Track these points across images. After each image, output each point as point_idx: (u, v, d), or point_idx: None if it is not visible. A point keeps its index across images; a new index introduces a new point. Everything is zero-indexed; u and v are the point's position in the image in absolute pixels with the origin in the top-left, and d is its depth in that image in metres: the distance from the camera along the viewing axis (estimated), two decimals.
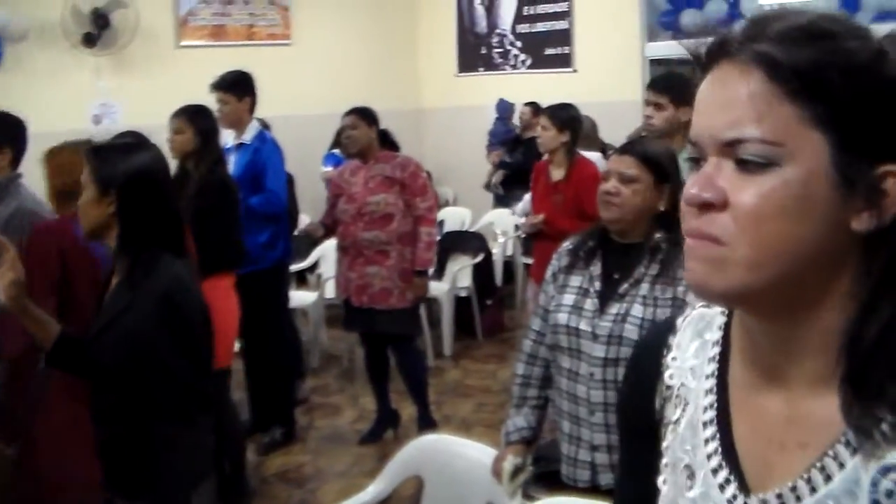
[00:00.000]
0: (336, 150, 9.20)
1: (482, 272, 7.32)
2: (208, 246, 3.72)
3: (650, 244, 2.58)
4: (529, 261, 6.02)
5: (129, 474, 2.53)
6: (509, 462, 2.72)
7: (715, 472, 0.96)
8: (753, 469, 0.93)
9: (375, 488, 3.18)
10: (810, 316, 0.88)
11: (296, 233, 6.17)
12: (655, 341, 1.09)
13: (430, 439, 3.27)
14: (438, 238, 5.82)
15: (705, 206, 0.86)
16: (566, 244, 2.76)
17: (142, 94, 8.18)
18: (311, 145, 8.26)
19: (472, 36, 10.50)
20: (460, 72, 10.61)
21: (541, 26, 9.86)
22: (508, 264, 8.00)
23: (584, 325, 2.58)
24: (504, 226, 7.96)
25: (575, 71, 9.46)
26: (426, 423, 5.23)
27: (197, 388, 2.51)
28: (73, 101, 8.00)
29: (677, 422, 1.02)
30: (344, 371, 6.77)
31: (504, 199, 8.41)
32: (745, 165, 0.85)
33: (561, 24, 9.64)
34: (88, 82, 8.25)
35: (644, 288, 2.55)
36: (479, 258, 7.29)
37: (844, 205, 0.84)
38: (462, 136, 9.77)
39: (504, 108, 9.34)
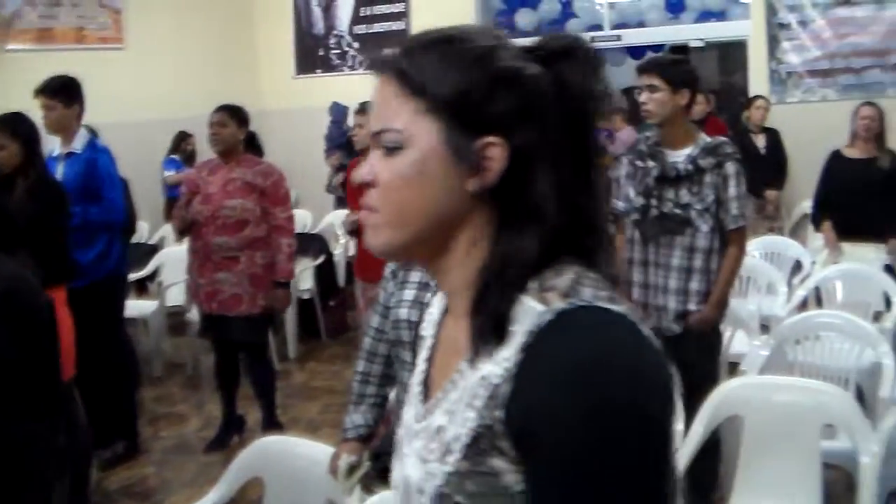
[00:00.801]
0: (175, 156, 9.10)
1: (324, 273, 7.34)
2: (39, 258, 3.63)
3: None
4: None
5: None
6: (344, 459, 2.75)
7: (417, 394, 1.21)
8: (433, 388, 1.17)
9: (216, 493, 3.16)
10: (452, 261, 1.11)
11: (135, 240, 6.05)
12: (426, 302, 1.31)
13: (269, 441, 3.27)
14: None
15: (366, 185, 1.10)
16: None
17: None
18: (148, 151, 8.10)
19: (310, 37, 10.50)
20: (298, 73, 10.60)
21: (378, 27, 9.95)
22: (350, 265, 8.00)
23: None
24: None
25: None
26: (272, 427, 5.22)
27: (48, 388, 2.47)
28: None
29: (417, 362, 1.26)
30: (188, 379, 6.68)
31: (345, 200, 8.41)
32: (386, 151, 1.08)
33: (398, 25, 9.75)
34: None
35: None
36: (321, 260, 7.31)
37: (457, 173, 1.06)
38: (302, 138, 9.75)
39: (338, 112, 9.33)
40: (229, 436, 5.34)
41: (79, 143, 5.01)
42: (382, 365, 2.85)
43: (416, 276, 2.69)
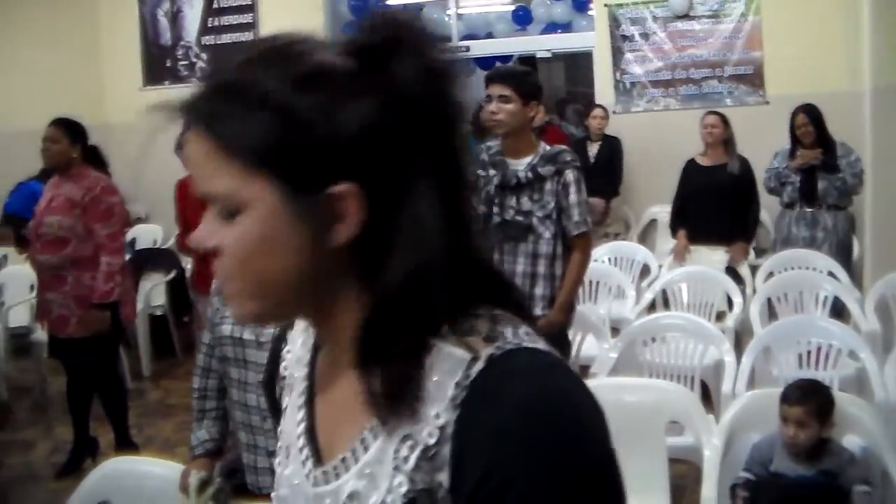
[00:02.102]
0: None
1: (176, 289, 7.18)
2: None
3: None
4: None
5: None
6: (195, 476, 2.72)
7: (301, 449, 1.05)
8: (327, 444, 1.02)
9: None
10: (334, 317, 0.98)
11: None
12: (279, 335, 1.20)
13: (115, 462, 3.17)
14: (129, 257, 5.63)
15: (211, 254, 0.95)
16: None
17: None
18: None
19: (157, 48, 10.27)
20: (146, 85, 10.34)
21: (227, 37, 9.82)
22: None
23: (247, 335, 2.63)
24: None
25: None
26: (126, 447, 5.08)
27: None
28: None
29: (286, 408, 1.12)
30: (36, 402, 6.43)
31: None
32: (223, 216, 0.93)
33: (247, 36, 9.63)
34: None
35: None
36: (173, 275, 7.15)
37: (308, 231, 0.92)
38: (152, 151, 9.50)
39: None
40: (82, 459, 5.16)
41: None
42: (217, 380, 2.85)
43: None
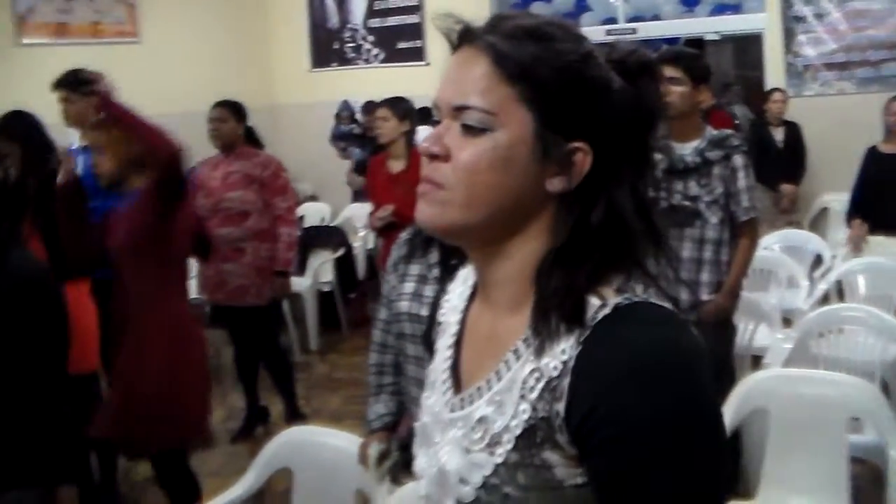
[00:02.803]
0: None
1: (344, 266, 7.35)
2: (61, 251, 3.65)
3: None
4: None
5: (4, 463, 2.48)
6: (374, 448, 2.77)
7: (444, 381, 1.20)
8: (467, 377, 1.17)
9: (245, 483, 3.18)
10: (509, 251, 1.11)
11: None
12: (441, 289, 1.37)
13: (296, 431, 3.29)
14: (299, 234, 5.82)
15: (434, 158, 1.09)
16: (403, 234, 2.82)
17: None
18: None
19: (324, 31, 10.49)
20: (314, 67, 10.59)
21: (392, 20, 9.93)
22: (371, 258, 8.04)
23: (425, 312, 2.64)
24: (364, 220, 7.99)
25: (428, 64, 9.55)
26: (295, 418, 5.24)
27: (52, 379, 2.50)
28: None
29: (437, 349, 1.27)
30: (211, 370, 6.67)
31: (363, 195, 8.56)
32: (467, 129, 1.06)
33: (412, 18, 9.73)
34: None
35: None
36: (341, 252, 7.32)
37: (541, 168, 1.06)
38: (318, 131, 9.74)
39: (346, 109, 9.59)
40: (253, 426, 5.39)
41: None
42: (394, 355, 2.86)
43: (415, 269, 2.71)
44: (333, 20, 10.41)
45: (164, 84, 9.09)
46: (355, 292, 7.50)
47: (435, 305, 1.34)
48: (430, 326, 1.34)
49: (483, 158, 1.06)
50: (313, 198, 9.50)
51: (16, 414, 2.45)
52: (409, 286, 2.70)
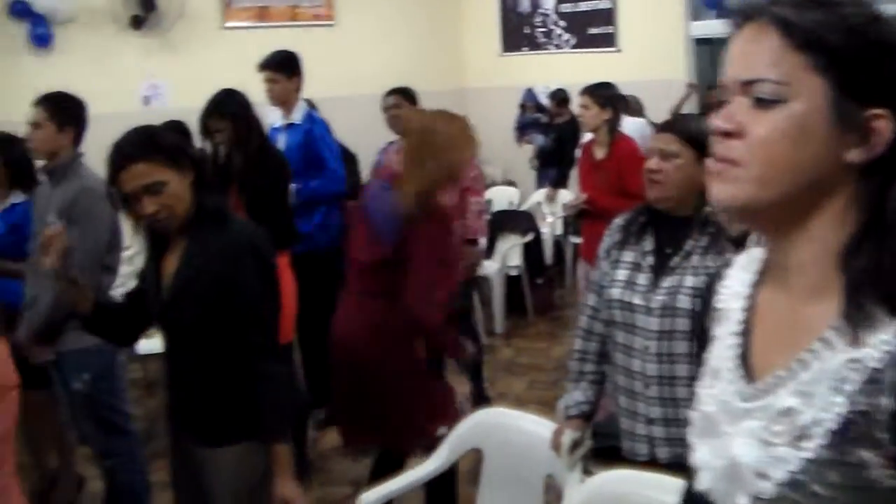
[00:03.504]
0: None
1: (532, 251, 7.31)
2: (263, 224, 3.75)
3: (700, 218, 2.58)
4: (578, 240, 6.01)
5: (225, 419, 2.62)
6: (568, 436, 2.73)
7: (733, 370, 1.14)
8: (759, 366, 1.11)
9: (436, 461, 3.20)
10: (808, 231, 1.06)
11: None
12: (715, 275, 1.30)
13: (489, 413, 3.29)
14: (489, 209, 5.83)
15: (726, 135, 1.05)
16: (617, 220, 2.77)
17: (188, 75, 8.26)
18: (356, 125, 8.23)
19: (515, 15, 10.45)
20: (504, 51, 10.58)
21: (584, 6, 9.80)
22: (558, 244, 7.99)
23: (637, 300, 2.58)
24: (552, 205, 7.94)
25: (619, 51, 9.40)
26: (481, 400, 5.24)
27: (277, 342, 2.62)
28: (122, 83, 8.09)
29: (716, 336, 1.21)
30: None
31: (541, 181, 8.65)
32: (759, 102, 1.03)
33: (604, 4, 9.58)
34: (136, 64, 8.35)
35: (695, 259, 2.55)
36: (529, 237, 7.28)
37: (839, 138, 1.01)
38: (507, 115, 9.73)
39: (529, 97, 9.59)
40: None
41: (298, 114, 5.22)
42: (599, 343, 2.81)
43: (629, 256, 2.66)
44: (525, 4, 10.37)
45: (358, 66, 9.32)
46: (542, 278, 7.45)
47: (709, 292, 1.28)
48: (703, 313, 1.29)
49: (778, 130, 1.02)
50: (511, 183, 9.45)
51: (245, 373, 2.55)
52: (621, 273, 2.65)
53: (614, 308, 2.64)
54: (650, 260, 2.61)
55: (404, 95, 5.25)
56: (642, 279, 2.60)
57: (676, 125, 2.72)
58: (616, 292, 2.63)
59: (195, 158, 2.65)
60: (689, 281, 2.52)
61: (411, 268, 3.33)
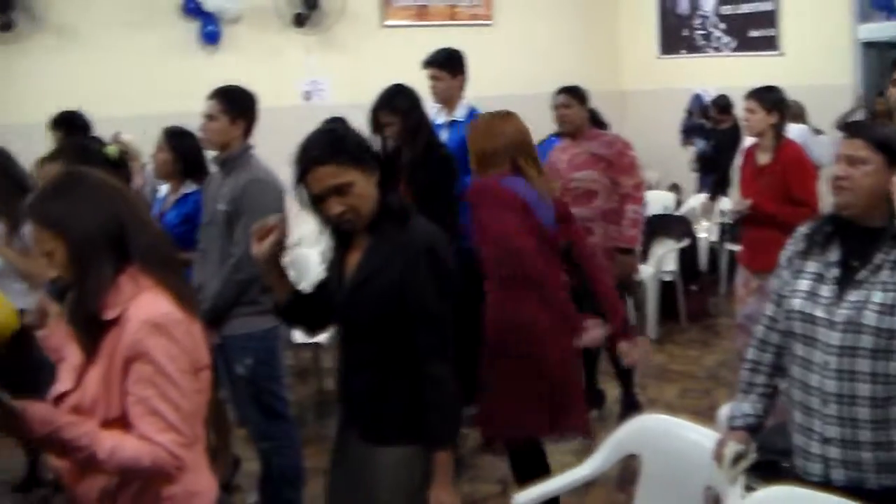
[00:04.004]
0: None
1: (687, 257, 7.17)
2: (432, 219, 3.78)
3: (892, 229, 2.46)
4: (736, 247, 5.85)
5: (391, 418, 2.63)
6: (731, 448, 2.64)
7: None
8: None
9: (592, 464, 3.17)
10: None
11: None
12: None
13: (649, 419, 3.23)
14: (645, 215, 5.74)
15: None
16: (802, 228, 2.66)
17: (348, 71, 8.45)
18: None
19: (674, 17, 10.28)
20: (662, 54, 10.41)
21: (745, 8, 9.55)
22: (713, 251, 7.81)
23: (819, 312, 2.47)
24: (709, 212, 7.76)
25: (781, 54, 9.12)
26: (631, 405, 5.17)
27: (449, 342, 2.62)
28: (285, 79, 8.31)
29: None
30: None
31: (702, 186, 8.52)
32: None
33: (766, 6, 9.32)
34: (298, 61, 8.57)
35: (884, 274, 2.43)
36: (685, 243, 7.14)
37: None
38: (664, 119, 9.58)
39: (695, 104, 9.45)
40: (588, 408, 5.35)
41: (461, 111, 5.24)
42: (774, 355, 2.71)
43: (812, 266, 2.56)
44: (684, 6, 10.18)
45: (514, 66, 9.35)
46: (696, 285, 7.29)
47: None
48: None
49: None
50: (675, 187, 9.30)
51: (415, 375, 2.57)
52: (804, 284, 2.56)
53: (794, 319, 2.54)
54: (835, 272, 2.51)
55: (574, 95, 5.20)
56: (826, 291, 2.49)
57: (865, 130, 2.60)
58: (797, 303, 2.53)
59: (380, 158, 2.66)
60: (878, 297, 2.41)
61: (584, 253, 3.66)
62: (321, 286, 2.89)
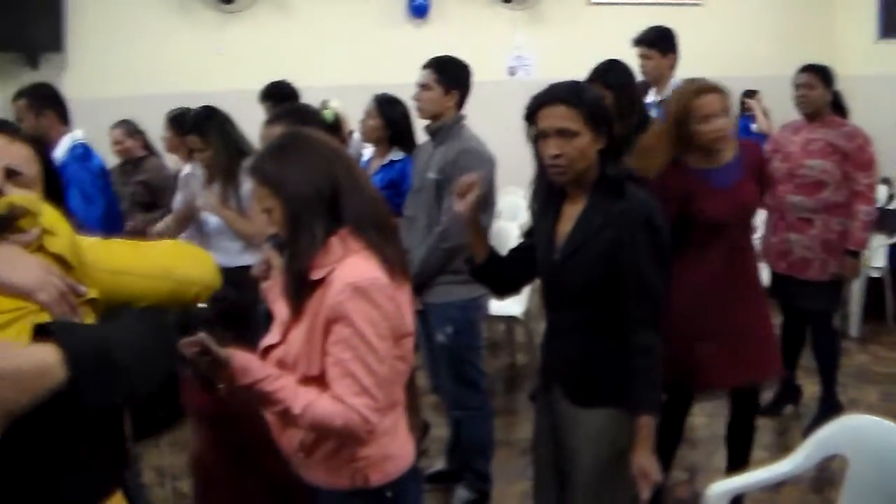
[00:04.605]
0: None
1: None
2: None
3: None
4: None
5: (598, 381, 2.69)
6: None
7: None
8: None
9: (793, 462, 3.08)
10: None
11: None
12: None
13: (859, 420, 3.11)
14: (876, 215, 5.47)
15: None
16: None
17: (554, 48, 8.42)
18: None
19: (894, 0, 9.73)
20: (882, 37, 9.87)
21: None
22: None
23: None
24: None
25: None
26: (830, 405, 4.97)
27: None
28: (490, 53, 8.35)
29: None
30: None
31: None
32: None
33: None
34: (504, 36, 8.59)
35: None
36: None
37: None
38: (881, 107, 9.06)
39: None
40: (784, 403, 5.25)
41: (670, 91, 5.10)
42: None
43: None
44: None
45: (722, 48, 9.09)
46: None
47: None
48: None
49: None
50: (886, 181, 8.85)
51: (623, 341, 2.61)
52: None
53: None
54: None
55: (819, 74, 4.89)
56: None
57: None
58: None
59: (613, 133, 2.68)
60: None
61: None
62: (518, 250, 2.97)
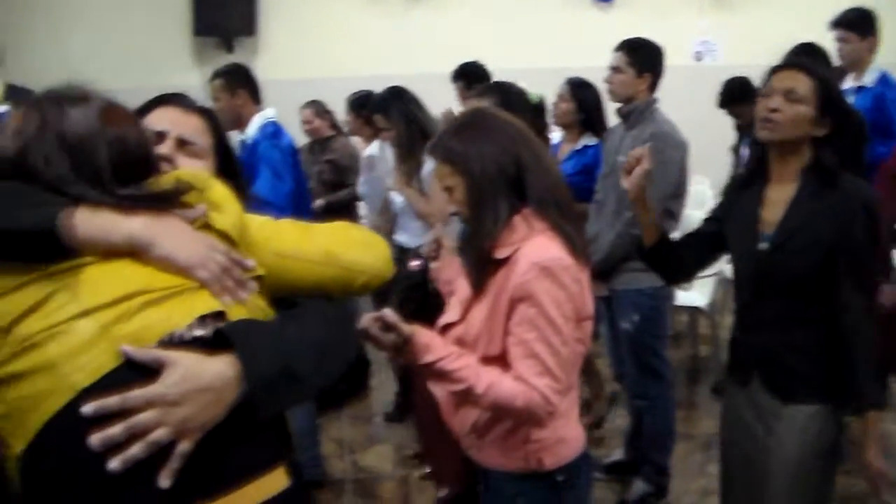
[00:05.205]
0: None
1: None
2: None
3: None
4: None
5: (806, 375, 2.59)
6: None
7: None
8: None
9: None
10: None
11: None
12: None
13: None
14: None
15: None
16: None
17: (741, 33, 8.15)
18: None
19: None
20: None
21: None
22: None
23: None
24: None
25: None
26: None
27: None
28: (676, 38, 8.13)
29: None
30: None
31: None
32: None
33: None
34: (690, 20, 8.39)
35: None
36: None
37: None
38: None
39: None
40: None
41: (870, 77, 4.91)
42: None
43: None
44: None
45: None
46: None
47: None
48: None
49: None
50: None
51: (836, 331, 2.50)
52: None
53: None
54: None
55: None
56: None
57: None
58: None
59: (842, 120, 2.57)
60: None
61: None
62: (694, 236, 2.88)
